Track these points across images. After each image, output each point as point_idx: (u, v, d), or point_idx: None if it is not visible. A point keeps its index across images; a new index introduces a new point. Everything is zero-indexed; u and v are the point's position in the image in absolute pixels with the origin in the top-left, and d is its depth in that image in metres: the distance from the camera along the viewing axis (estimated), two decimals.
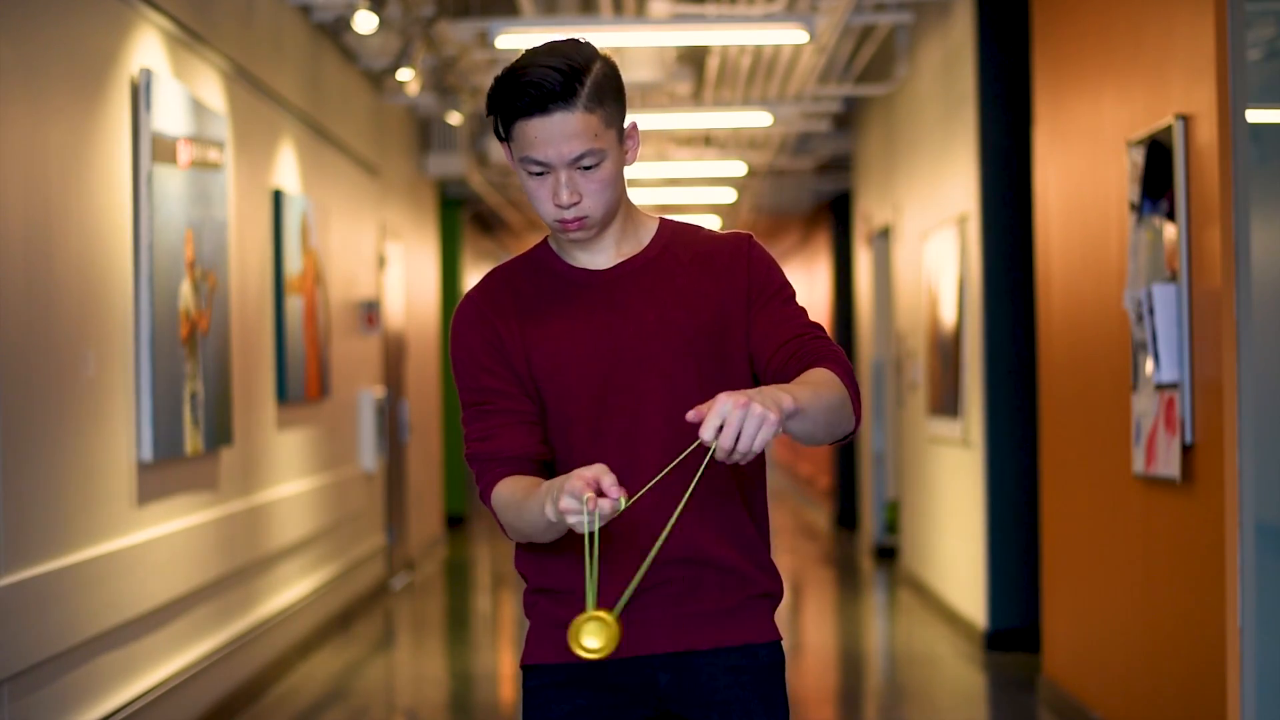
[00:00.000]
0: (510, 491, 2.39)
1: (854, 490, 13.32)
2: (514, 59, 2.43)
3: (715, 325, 2.45)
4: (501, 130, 2.40)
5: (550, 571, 2.47)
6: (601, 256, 2.47)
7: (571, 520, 2.16)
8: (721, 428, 2.12)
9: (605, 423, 2.42)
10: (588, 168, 2.37)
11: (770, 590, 2.49)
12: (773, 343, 2.45)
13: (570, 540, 2.38)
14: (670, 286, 2.45)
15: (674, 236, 2.51)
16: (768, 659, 2.47)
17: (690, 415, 2.15)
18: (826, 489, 14.76)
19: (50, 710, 4.81)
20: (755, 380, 2.48)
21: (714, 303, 2.46)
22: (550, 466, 2.46)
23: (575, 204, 2.38)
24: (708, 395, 2.33)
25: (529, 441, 2.43)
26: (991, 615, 7.75)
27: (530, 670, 2.51)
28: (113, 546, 5.29)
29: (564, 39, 2.42)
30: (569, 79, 2.35)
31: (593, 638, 2.20)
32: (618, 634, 2.18)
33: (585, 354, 2.43)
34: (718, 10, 8.64)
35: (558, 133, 2.35)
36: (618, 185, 2.42)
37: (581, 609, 2.31)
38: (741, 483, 2.47)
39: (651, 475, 2.34)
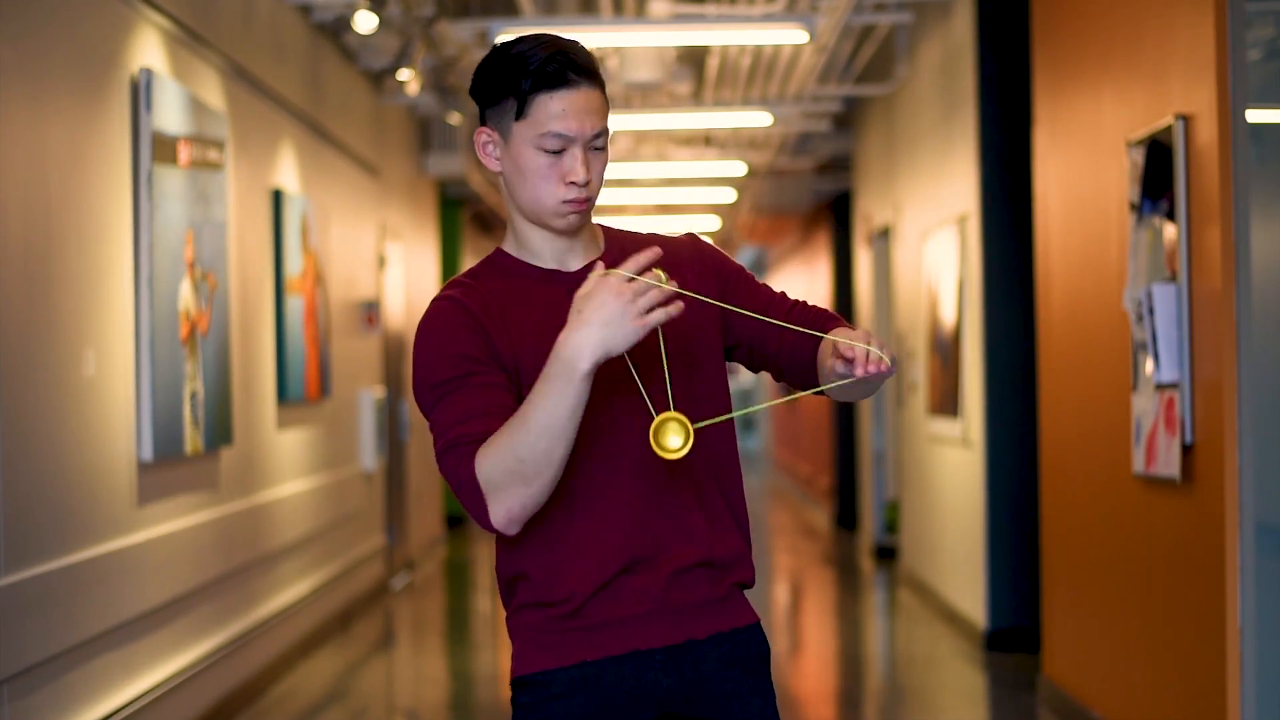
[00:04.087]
0: (497, 433, 2.23)
1: (854, 490, 13.32)
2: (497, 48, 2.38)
3: (687, 323, 2.40)
4: (517, 108, 2.32)
5: (536, 574, 2.38)
6: (572, 257, 2.43)
7: (644, 305, 2.15)
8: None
9: (596, 418, 2.35)
10: (598, 148, 2.36)
11: (745, 580, 2.49)
12: (778, 319, 2.47)
13: (555, 539, 2.36)
14: None
15: (623, 239, 2.50)
16: (757, 647, 2.47)
17: (839, 367, 2.27)
18: (826, 489, 14.75)
19: (50, 710, 4.81)
20: (749, 365, 2.53)
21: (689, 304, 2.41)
22: None
23: (588, 183, 2.34)
24: (687, 392, 2.39)
25: None
26: (991, 615, 7.75)
27: (522, 685, 2.41)
28: (113, 546, 5.29)
29: (538, 34, 2.38)
30: (587, 55, 2.34)
31: (675, 436, 2.23)
32: (693, 438, 2.25)
33: None
34: (718, 10, 8.64)
35: (583, 106, 2.32)
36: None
37: (570, 610, 2.35)
38: (719, 477, 2.47)
39: (632, 468, 2.35)
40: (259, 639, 7.09)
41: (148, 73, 5.62)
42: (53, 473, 4.86)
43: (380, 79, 9.96)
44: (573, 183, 2.33)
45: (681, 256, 2.48)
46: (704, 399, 2.43)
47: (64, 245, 4.96)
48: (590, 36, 8.00)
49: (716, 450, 2.46)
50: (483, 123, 2.40)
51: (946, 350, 8.64)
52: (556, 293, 2.39)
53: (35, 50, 4.80)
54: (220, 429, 6.42)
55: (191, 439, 6.01)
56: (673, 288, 2.20)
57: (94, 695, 5.17)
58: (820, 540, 13.19)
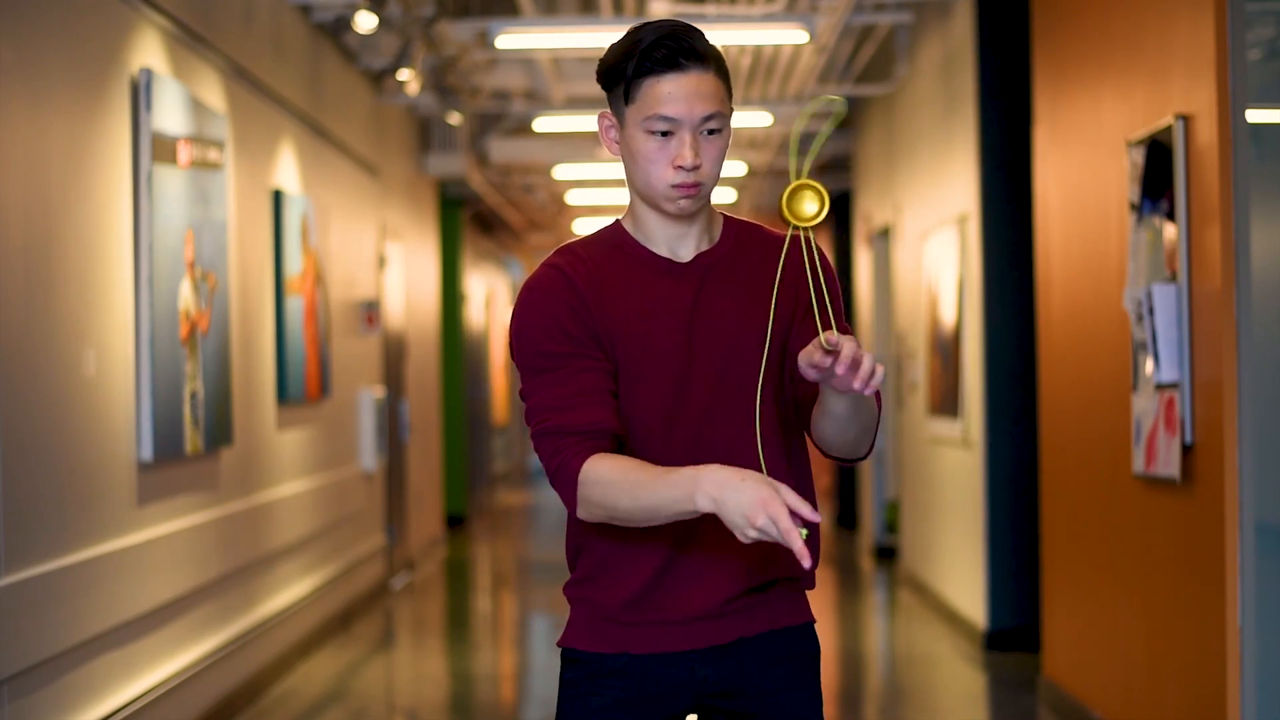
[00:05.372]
0: (618, 469, 2.29)
1: (854, 490, 13.32)
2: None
3: (785, 321, 2.45)
4: (624, 92, 2.36)
5: (597, 557, 2.44)
6: (684, 246, 2.44)
7: (754, 535, 2.17)
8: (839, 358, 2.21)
9: (682, 413, 2.39)
10: (712, 132, 2.36)
11: (796, 574, 2.50)
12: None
13: (641, 532, 2.39)
14: (747, 281, 2.44)
15: (741, 231, 2.50)
16: (806, 646, 2.49)
17: (813, 355, 2.21)
18: (826, 489, 14.76)
19: (50, 710, 4.81)
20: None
21: (784, 299, 2.44)
22: (622, 444, 2.39)
23: (697, 167, 2.35)
24: (777, 391, 2.42)
25: (608, 416, 2.35)
26: (991, 615, 7.75)
27: (570, 659, 2.48)
28: (113, 546, 5.29)
29: (660, 20, 2.41)
30: (702, 40, 2.36)
31: (811, 202, 2.23)
32: (828, 202, 2.23)
33: (669, 343, 2.39)
34: (718, 10, 8.64)
35: (691, 90, 2.33)
36: (723, 164, 2.41)
37: (622, 602, 2.39)
38: (792, 464, 2.49)
39: (726, 463, 2.34)
40: (259, 639, 7.09)
41: (148, 73, 5.61)
42: (53, 473, 4.86)
43: (380, 79, 9.96)
44: (680, 166, 2.34)
45: (791, 258, 2.46)
46: (735, 390, 2.42)
47: (64, 245, 4.96)
48: (590, 36, 8.01)
49: (762, 433, 2.44)
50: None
51: (946, 350, 8.64)
52: (663, 284, 2.41)
53: (35, 50, 4.80)
54: (220, 429, 6.42)
55: (191, 439, 6.01)
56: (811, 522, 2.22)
57: (94, 695, 5.17)
58: (820, 540, 13.20)
